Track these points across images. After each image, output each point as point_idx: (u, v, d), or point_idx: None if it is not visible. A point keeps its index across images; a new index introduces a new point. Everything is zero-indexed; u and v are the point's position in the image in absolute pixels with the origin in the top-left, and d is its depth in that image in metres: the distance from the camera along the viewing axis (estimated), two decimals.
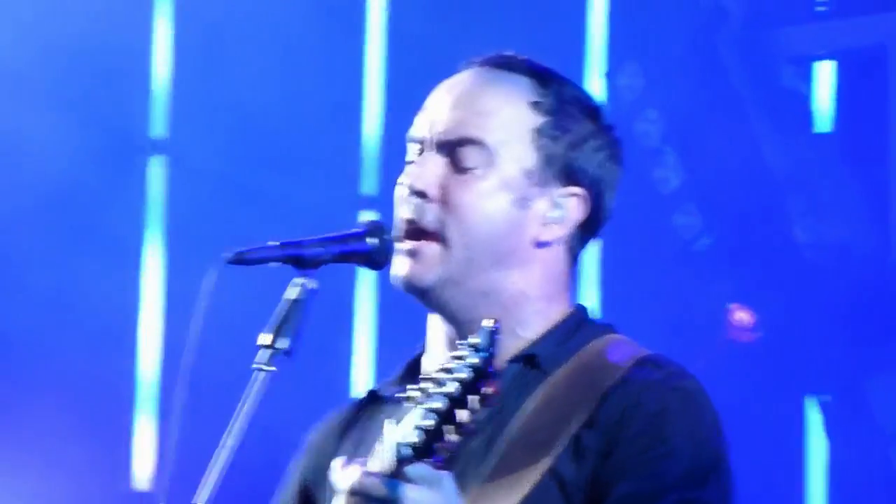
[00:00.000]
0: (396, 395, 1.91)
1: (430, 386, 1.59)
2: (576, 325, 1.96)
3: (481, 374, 1.57)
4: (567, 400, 1.83)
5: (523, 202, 1.93)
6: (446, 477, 1.61)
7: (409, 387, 1.62)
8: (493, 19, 5.06)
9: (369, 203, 5.26)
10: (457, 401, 1.56)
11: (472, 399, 1.56)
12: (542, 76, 1.98)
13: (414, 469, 1.58)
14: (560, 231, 1.95)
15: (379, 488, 1.59)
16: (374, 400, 2.05)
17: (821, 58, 5.05)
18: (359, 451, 1.95)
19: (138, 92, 5.26)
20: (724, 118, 4.97)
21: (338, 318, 5.15)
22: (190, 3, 5.30)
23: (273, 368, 1.82)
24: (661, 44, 5.04)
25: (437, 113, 1.98)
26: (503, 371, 1.86)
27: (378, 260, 1.94)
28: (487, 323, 1.59)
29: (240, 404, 1.82)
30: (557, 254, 1.97)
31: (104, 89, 5.07)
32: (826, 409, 4.99)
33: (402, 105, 5.22)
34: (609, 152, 1.99)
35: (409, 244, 1.93)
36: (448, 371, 1.58)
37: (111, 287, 5.17)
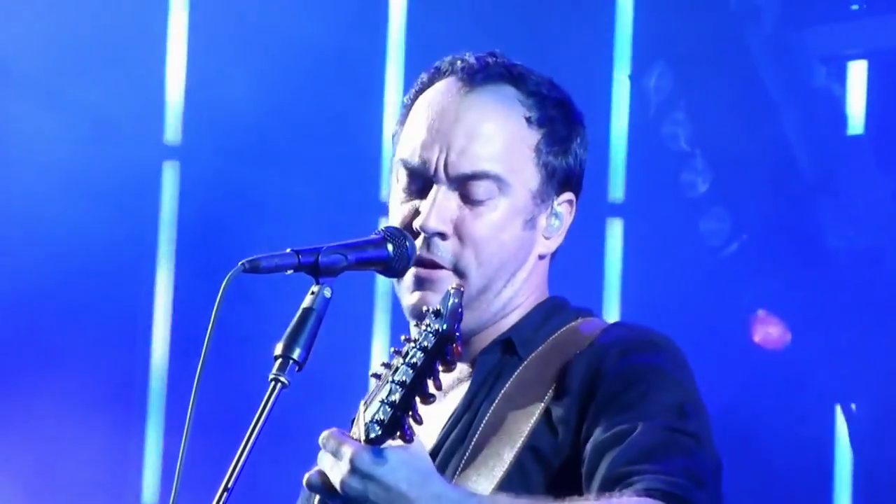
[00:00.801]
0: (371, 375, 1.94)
1: (397, 360, 1.59)
2: (551, 310, 2.00)
3: (446, 339, 1.56)
4: (539, 378, 1.87)
5: (532, 223, 1.98)
6: (414, 453, 1.63)
7: (385, 362, 1.63)
8: (518, 20, 5.03)
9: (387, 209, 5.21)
10: (423, 369, 1.56)
11: (439, 365, 1.56)
12: (519, 80, 2.00)
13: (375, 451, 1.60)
14: (557, 242, 2.02)
15: (342, 446, 1.62)
16: None
17: (854, 57, 4.98)
18: None
19: (153, 98, 5.27)
20: (753, 120, 4.91)
21: (355, 327, 5.15)
22: (204, 10, 5.28)
23: (286, 381, 1.81)
24: (689, 43, 4.99)
25: (438, 143, 1.96)
26: (479, 359, 1.93)
27: (396, 268, 1.93)
28: (448, 288, 1.62)
29: (256, 415, 1.79)
30: (548, 256, 2.04)
31: (118, 95, 5.10)
32: (854, 417, 4.95)
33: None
34: (585, 142, 2.04)
35: (425, 272, 1.94)
36: (413, 341, 1.58)
37: (123, 295, 5.18)
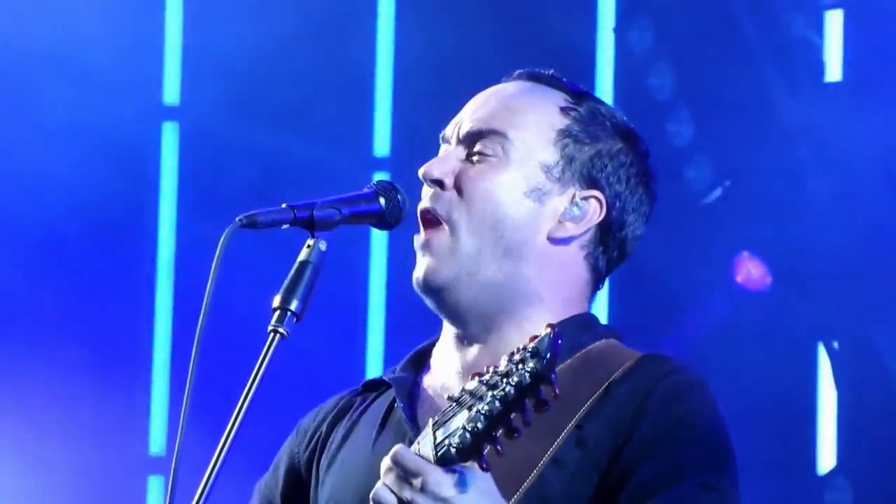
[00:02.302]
0: (400, 380, 1.95)
1: (481, 388, 1.57)
2: (581, 326, 1.96)
3: (541, 380, 1.54)
4: (569, 393, 1.79)
5: (539, 195, 1.94)
6: (484, 479, 1.62)
7: (464, 388, 1.60)
8: None
9: (382, 164, 5.26)
10: (512, 404, 1.55)
11: (529, 403, 1.55)
12: (577, 93, 2.01)
13: (455, 469, 1.59)
14: (575, 230, 1.95)
15: (419, 466, 1.60)
16: (370, 388, 2.06)
17: (830, 6, 5.02)
18: (350, 436, 1.99)
19: (152, 59, 5.27)
20: (734, 69, 4.96)
21: (352, 282, 5.15)
22: None
23: (285, 331, 1.82)
24: None
25: (465, 113, 2.00)
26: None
27: (389, 220, 1.96)
28: (546, 328, 1.58)
29: (255, 367, 1.83)
30: (574, 257, 1.97)
31: (118, 58, 5.07)
32: (836, 354, 5.00)
33: (415, 66, 5.27)
34: (638, 176, 2.00)
35: (423, 236, 1.95)
36: (504, 375, 1.56)
37: (126, 254, 5.18)
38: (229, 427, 1.85)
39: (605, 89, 5.06)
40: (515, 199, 1.93)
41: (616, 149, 1.99)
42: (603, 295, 4.67)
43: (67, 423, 5.04)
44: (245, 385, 1.82)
